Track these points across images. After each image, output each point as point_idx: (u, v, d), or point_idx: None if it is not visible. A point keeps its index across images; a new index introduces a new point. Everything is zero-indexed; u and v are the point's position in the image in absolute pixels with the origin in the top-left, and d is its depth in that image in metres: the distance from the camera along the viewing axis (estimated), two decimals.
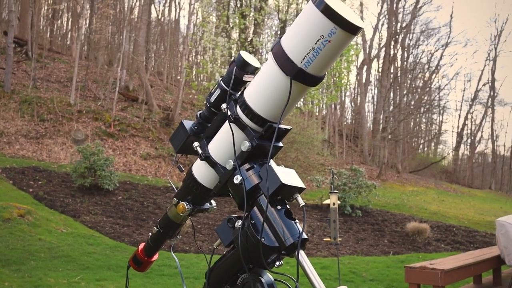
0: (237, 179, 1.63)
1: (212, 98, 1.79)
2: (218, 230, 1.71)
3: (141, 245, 2.13)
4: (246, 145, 1.63)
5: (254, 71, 1.76)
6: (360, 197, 17.36)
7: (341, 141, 33.51)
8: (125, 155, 20.07)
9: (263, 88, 1.62)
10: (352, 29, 1.44)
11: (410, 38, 38.44)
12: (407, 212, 18.63)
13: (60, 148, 19.43)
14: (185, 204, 1.83)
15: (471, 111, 46.22)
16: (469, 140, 47.05)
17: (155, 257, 2.13)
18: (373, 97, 41.77)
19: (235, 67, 1.72)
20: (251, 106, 1.63)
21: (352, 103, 41.67)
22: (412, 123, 41.49)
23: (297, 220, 1.63)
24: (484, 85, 45.08)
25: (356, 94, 39.98)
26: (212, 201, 1.95)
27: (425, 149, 48.24)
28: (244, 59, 1.73)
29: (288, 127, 1.71)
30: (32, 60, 23.17)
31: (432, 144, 48.87)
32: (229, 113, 1.67)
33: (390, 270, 10.97)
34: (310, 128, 22.87)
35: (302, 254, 1.55)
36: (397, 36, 34.45)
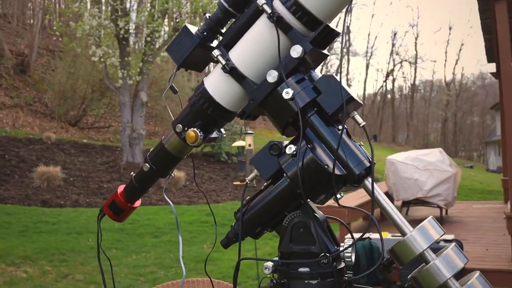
0: (287, 94, 1.28)
1: None
2: (255, 160, 1.36)
3: (120, 188, 1.69)
4: (298, 50, 1.28)
5: None
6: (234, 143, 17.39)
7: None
8: None
9: None
10: None
11: None
12: None
13: None
14: (198, 131, 1.43)
15: (327, 61, 48.47)
16: None
17: (138, 203, 1.71)
18: None
19: None
20: (301, 2, 1.28)
21: None
22: None
23: (361, 143, 1.34)
24: (340, 35, 47.35)
25: None
26: (222, 129, 1.57)
27: None
28: None
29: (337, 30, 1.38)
30: None
31: None
32: (269, 10, 1.29)
33: None
34: (181, 75, 22.25)
35: (375, 185, 1.27)
36: None
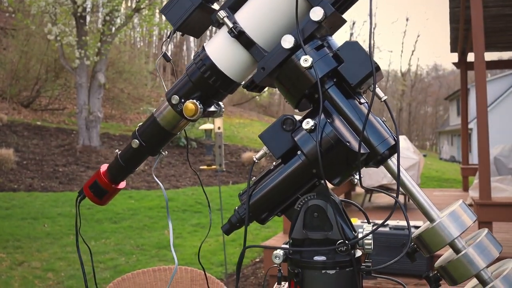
0: (306, 62, 1.13)
1: None
2: (264, 137, 1.21)
3: (103, 167, 1.51)
4: (319, 12, 1.13)
5: None
6: (194, 128, 17.17)
7: (165, 74, 32.81)
8: None
9: None
10: None
11: None
12: (239, 143, 19.02)
13: None
14: (198, 103, 1.27)
15: None
16: None
17: (123, 184, 1.53)
18: None
19: None
20: None
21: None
22: None
23: (384, 118, 1.21)
24: None
25: None
26: (220, 103, 1.41)
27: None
28: None
29: None
30: None
31: None
32: None
33: (233, 198, 11.07)
34: (139, 58, 21.76)
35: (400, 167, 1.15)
36: None
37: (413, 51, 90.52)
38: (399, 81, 57.46)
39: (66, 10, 13.66)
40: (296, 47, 1.16)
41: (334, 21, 1.20)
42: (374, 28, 72.45)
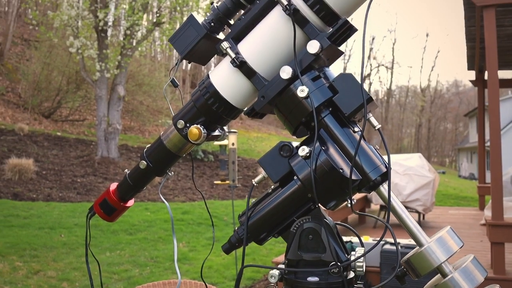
0: (302, 92, 1.21)
1: None
2: (263, 162, 1.29)
3: (113, 186, 1.59)
4: (315, 45, 1.20)
5: None
6: (211, 142, 17.29)
7: (184, 86, 33.10)
8: None
9: None
10: None
11: None
12: (256, 157, 19.08)
13: None
14: (201, 128, 1.35)
15: None
16: None
17: (131, 202, 1.61)
18: None
19: None
20: None
21: None
22: None
23: (377, 146, 1.28)
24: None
25: None
26: (224, 127, 1.49)
27: None
28: None
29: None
30: None
31: None
32: (285, 2, 1.23)
33: None
34: (159, 71, 22.02)
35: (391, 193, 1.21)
36: None
37: (433, 67, 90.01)
38: (419, 97, 57.14)
39: (88, 24, 13.94)
40: (294, 78, 1.23)
41: (331, 53, 1.28)
42: (394, 44, 72.40)
